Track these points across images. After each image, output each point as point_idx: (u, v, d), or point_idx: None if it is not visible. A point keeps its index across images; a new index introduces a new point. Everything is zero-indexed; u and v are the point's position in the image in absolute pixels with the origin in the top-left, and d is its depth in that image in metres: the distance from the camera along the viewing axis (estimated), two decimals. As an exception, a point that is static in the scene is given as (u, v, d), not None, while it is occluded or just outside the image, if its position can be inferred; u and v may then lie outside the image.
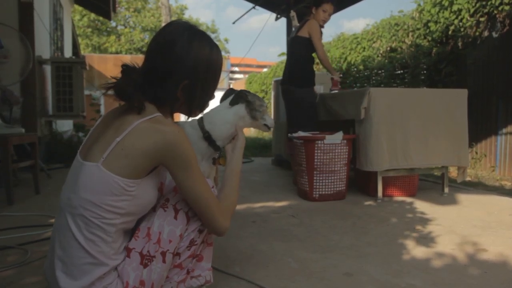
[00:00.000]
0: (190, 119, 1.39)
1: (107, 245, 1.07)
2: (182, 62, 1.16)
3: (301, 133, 3.31)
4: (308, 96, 3.78)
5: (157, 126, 1.09)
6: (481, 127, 5.19)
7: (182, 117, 1.76)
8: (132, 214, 1.11)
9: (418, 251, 2.01)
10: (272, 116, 5.32)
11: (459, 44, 5.51)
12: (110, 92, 1.14)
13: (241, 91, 1.60)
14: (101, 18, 18.35)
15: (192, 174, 1.13)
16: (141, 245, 1.14)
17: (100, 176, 1.04)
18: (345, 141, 3.16)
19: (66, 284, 1.05)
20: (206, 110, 1.47)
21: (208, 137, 1.51)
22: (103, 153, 1.06)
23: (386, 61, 6.80)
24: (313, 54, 3.86)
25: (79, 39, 14.72)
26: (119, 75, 1.15)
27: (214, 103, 1.46)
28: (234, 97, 1.58)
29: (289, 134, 3.51)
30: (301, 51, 3.80)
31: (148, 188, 1.12)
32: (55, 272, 1.06)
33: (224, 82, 17.45)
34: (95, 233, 1.05)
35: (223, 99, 1.63)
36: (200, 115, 1.57)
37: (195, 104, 1.26)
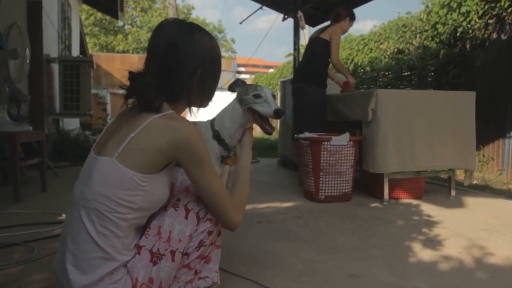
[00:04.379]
0: (198, 115, 1.40)
1: (118, 240, 1.08)
2: (192, 56, 1.21)
3: (307, 134, 3.30)
4: (320, 97, 3.80)
5: (171, 123, 1.11)
6: (488, 130, 5.15)
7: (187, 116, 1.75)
8: (144, 209, 1.12)
9: (424, 254, 2.00)
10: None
11: (467, 46, 5.48)
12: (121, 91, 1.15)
13: (238, 79, 1.60)
14: (108, 17, 18.43)
15: (205, 170, 1.15)
16: (151, 243, 1.15)
17: (114, 171, 1.06)
18: (351, 143, 3.15)
19: (76, 278, 1.06)
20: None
21: (217, 136, 1.52)
22: (118, 148, 1.08)
23: (393, 62, 6.77)
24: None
25: (87, 38, 14.81)
26: (126, 80, 1.16)
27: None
28: (231, 84, 1.59)
29: (295, 135, 3.50)
30: (321, 52, 3.84)
31: (160, 184, 1.14)
32: (65, 265, 1.07)
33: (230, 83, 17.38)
34: (108, 227, 1.06)
35: None
36: (213, 116, 1.58)
37: (206, 92, 1.30)
